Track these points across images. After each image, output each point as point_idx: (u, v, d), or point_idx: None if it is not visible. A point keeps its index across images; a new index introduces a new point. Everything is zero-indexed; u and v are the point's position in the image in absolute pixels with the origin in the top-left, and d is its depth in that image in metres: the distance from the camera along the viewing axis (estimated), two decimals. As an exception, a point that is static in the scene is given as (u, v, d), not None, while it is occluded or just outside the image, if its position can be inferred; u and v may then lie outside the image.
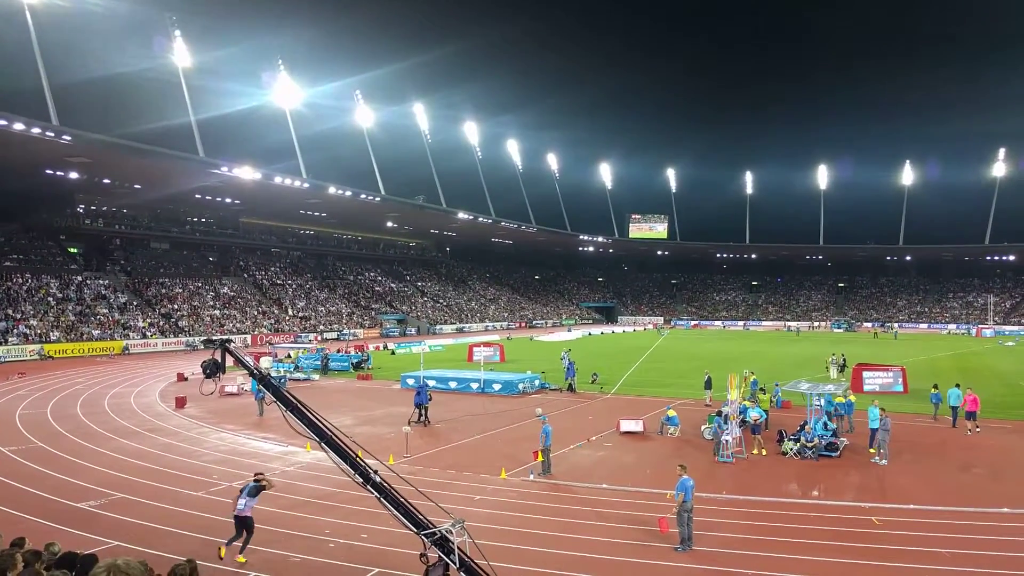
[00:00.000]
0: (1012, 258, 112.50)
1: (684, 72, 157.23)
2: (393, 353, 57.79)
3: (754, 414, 22.18)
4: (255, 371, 8.61)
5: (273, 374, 38.17)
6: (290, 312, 74.78)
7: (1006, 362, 51.84)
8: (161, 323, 61.61)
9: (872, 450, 20.97)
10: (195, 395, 30.03)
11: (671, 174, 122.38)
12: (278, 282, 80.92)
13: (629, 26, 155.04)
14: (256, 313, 71.08)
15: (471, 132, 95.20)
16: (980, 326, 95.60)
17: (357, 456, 7.64)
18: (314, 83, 72.69)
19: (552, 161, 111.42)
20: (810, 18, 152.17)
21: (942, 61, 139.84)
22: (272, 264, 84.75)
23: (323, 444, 7.62)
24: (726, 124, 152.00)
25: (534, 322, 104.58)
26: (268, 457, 21.15)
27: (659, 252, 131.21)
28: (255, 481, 13.50)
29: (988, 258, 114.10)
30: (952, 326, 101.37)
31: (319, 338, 69.07)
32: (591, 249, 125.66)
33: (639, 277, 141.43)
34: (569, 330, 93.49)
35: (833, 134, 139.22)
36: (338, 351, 49.57)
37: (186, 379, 37.76)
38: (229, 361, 8.71)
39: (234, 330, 64.87)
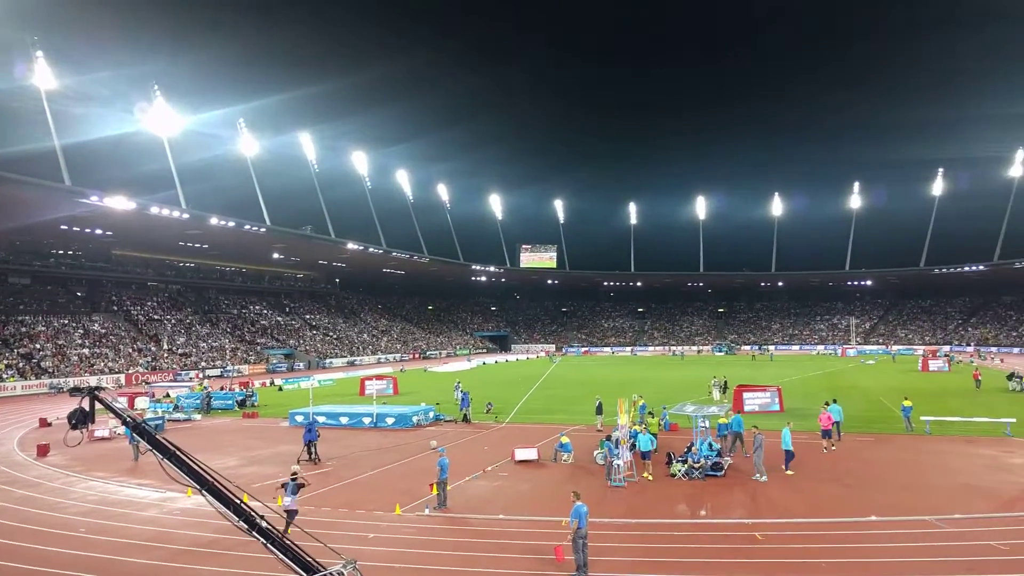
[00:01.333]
0: (870, 283, 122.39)
1: (570, 106, 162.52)
2: (280, 389, 55.70)
3: (639, 443, 22.52)
4: (127, 419, 8.07)
5: (149, 416, 36.00)
6: (168, 348, 70.74)
7: (868, 379, 55.96)
8: (21, 364, 56.79)
9: (789, 472, 21.89)
10: (60, 442, 27.77)
11: (559, 205, 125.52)
12: (155, 317, 76.51)
13: (517, 61, 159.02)
14: (131, 351, 66.80)
15: (360, 162, 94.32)
16: (844, 346, 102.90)
17: (241, 501, 7.30)
18: (194, 110, 70.13)
19: (443, 192, 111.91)
20: (687, 58, 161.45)
21: (801, 100, 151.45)
22: (148, 298, 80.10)
23: (204, 491, 7.24)
24: (611, 156, 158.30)
25: (428, 353, 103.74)
26: (143, 505, 19.80)
27: (550, 281, 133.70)
28: (292, 480, 16.92)
29: (849, 283, 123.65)
30: (821, 347, 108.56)
31: (200, 375, 65.72)
32: (484, 279, 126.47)
33: (531, 306, 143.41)
34: (469, 359, 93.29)
35: (709, 167, 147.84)
36: (221, 389, 47.36)
37: (49, 424, 34.89)
38: (102, 404, 8.17)
39: (106, 369, 60.69)
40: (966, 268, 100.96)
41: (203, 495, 7.25)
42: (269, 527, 7.28)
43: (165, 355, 69.05)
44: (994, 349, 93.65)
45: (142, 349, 68.19)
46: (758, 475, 21.31)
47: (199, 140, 71.30)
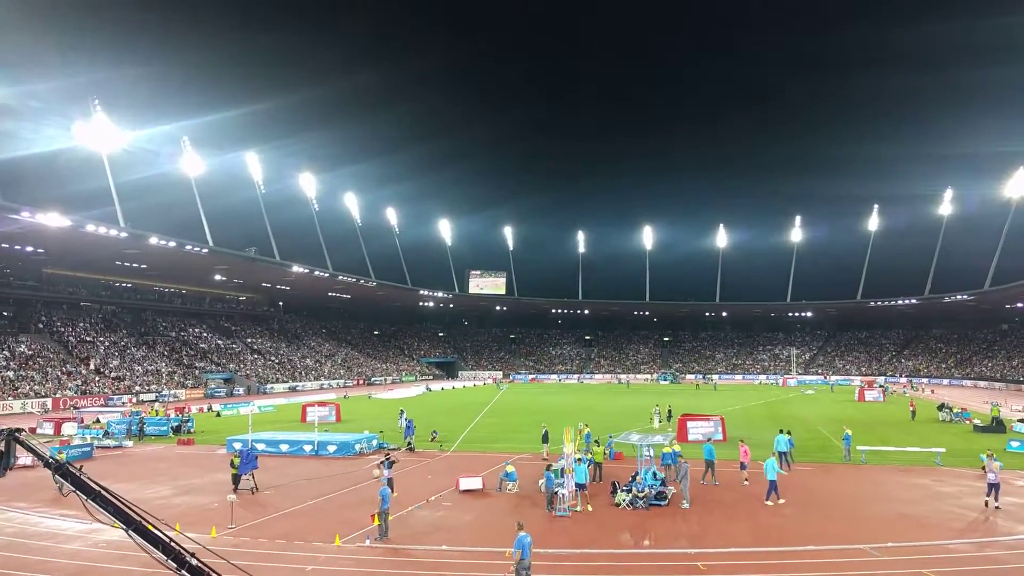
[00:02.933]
0: (810, 314, 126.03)
1: (521, 133, 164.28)
2: (218, 415, 53.99)
3: (575, 474, 22.28)
4: (49, 461, 7.56)
5: (77, 442, 34.40)
6: (97, 370, 67.98)
7: (807, 409, 57.24)
8: (-61, 387, 53.82)
9: (769, 502, 22.02)
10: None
11: (509, 231, 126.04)
12: (87, 339, 73.56)
13: (465, 88, 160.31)
14: (60, 374, 63.94)
15: (308, 183, 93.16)
16: (785, 376, 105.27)
17: (171, 540, 6.92)
18: (136, 126, 68.30)
19: (392, 216, 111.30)
20: (631, 91, 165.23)
21: (744, 135, 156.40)
22: (81, 319, 77.01)
23: (130, 532, 6.85)
24: (561, 185, 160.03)
25: (373, 379, 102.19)
26: (66, 537, 18.78)
27: (498, 308, 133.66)
28: (387, 458, 23.93)
29: (790, 314, 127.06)
30: (763, 377, 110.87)
31: (134, 400, 63.29)
32: (432, 304, 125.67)
33: (479, 332, 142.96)
34: (427, 387, 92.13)
35: (656, 198, 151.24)
36: (156, 414, 45.70)
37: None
38: (22, 445, 7.73)
39: (31, 393, 57.91)
40: (899, 301, 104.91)
41: (130, 536, 6.85)
42: (200, 564, 6.91)
43: (97, 379, 66.34)
44: (925, 380, 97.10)
45: (71, 372, 65.39)
46: (684, 503, 21.65)
47: (140, 157, 69.46)
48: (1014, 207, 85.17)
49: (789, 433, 28.86)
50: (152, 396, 66.32)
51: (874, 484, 25.37)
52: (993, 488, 21.41)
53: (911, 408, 50.02)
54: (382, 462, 23.87)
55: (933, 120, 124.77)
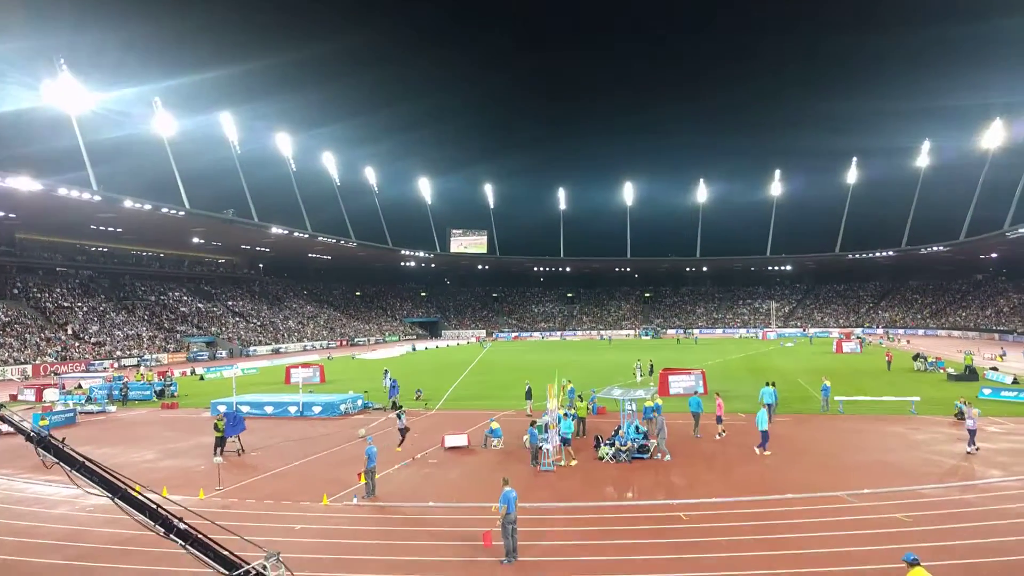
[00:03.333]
0: (789, 268, 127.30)
1: (499, 88, 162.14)
2: (202, 378, 53.93)
3: (561, 428, 22.63)
4: (31, 435, 7.52)
5: (59, 408, 34.28)
6: (73, 334, 67.41)
7: (786, 361, 58.17)
8: (-85, 356, 53.16)
9: (758, 450, 22.63)
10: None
11: (489, 190, 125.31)
12: (65, 305, 72.73)
13: (446, 43, 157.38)
14: (38, 340, 63.35)
15: (284, 144, 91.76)
16: (765, 329, 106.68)
17: (158, 507, 6.96)
18: (106, 87, 66.62)
19: (371, 175, 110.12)
20: (611, 49, 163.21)
21: (724, 90, 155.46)
22: (57, 285, 76.00)
23: (116, 500, 6.87)
24: (541, 141, 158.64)
25: (356, 340, 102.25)
26: (53, 502, 18.81)
27: (480, 266, 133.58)
28: (400, 410, 27.40)
29: (770, 268, 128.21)
30: (743, 330, 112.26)
31: (115, 365, 62.95)
32: (413, 264, 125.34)
33: (461, 291, 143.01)
34: (412, 346, 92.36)
35: (637, 154, 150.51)
36: (141, 379, 45.55)
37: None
38: (5, 421, 7.69)
39: (10, 360, 57.41)
40: (877, 254, 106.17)
41: (116, 503, 6.87)
42: (187, 527, 6.96)
43: (77, 344, 65.82)
44: (901, 331, 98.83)
45: (50, 338, 64.80)
46: (661, 455, 22.12)
47: (111, 119, 67.94)
48: (990, 158, 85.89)
49: (774, 385, 29.30)
50: (134, 361, 66.00)
51: (851, 433, 25.96)
52: (972, 434, 22.15)
53: (887, 358, 50.98)
54: (398, 414, 26.16)
55: (911, 74, 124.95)
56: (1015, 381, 38.46)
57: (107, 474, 6.98)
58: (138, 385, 42.15)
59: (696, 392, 35.83)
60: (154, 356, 69.07)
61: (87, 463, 6.94)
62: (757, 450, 22.69)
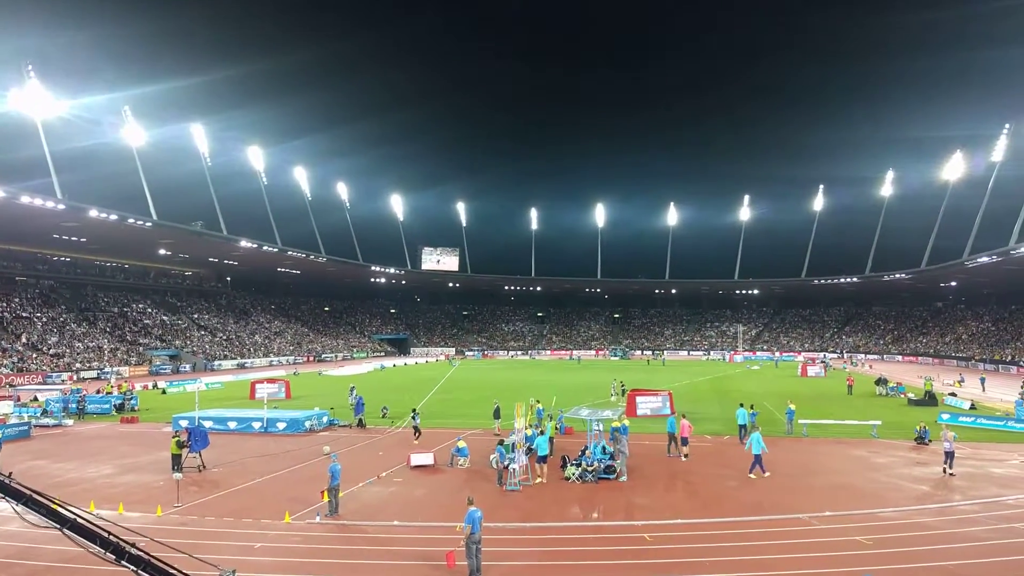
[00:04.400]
0: (756, 291, 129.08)
1: (473, 106, 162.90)
2: (164, 392, 52.88)
3: (537, 446, 22.76)
4: None
5: (13, 421, 33.33)
6: (31, 345, 65.71)
7: (752, 384, 58.77)
8: None
9: (753, 475, 22.56)
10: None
11: (462, 207, 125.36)
12: (23, 315, 70.94)
13: (418, 61, 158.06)
14: (-6, 351, 61.64)
15: (256, 157, 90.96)
16: (732, 352, 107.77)
17: (108, 533, 6.76)
18: (73, 94, 65.56)
19: (343, 190, 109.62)
20: (586, 72, 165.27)
21: (695, 116, 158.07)
22: (16, 295, 74.13)
23: (65, 531, 6.66)
24: (514, 162, 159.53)
25: (323, 356, 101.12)
26: (3, 519, 18.20)
27: (451, 284, 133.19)
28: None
29: (737, 292, 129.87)
30: (709, 354, 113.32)
31: (74, 378, 61.45)
32: (383, 281, 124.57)
33: (431, 309, 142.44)
34: (381, 364, 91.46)
35: (609, 176, 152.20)
36: (98, 392, 44.54)
37: None
38: None
39: (-36, 371, 55.76)
40: (841, 280, 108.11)
41: (65, 534, 6.67)
42: (140, 552, 6.78)
43: (34, 356, 64.15)
44: (862, 356, 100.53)
45: (7, 349, 63.08)
46: (617, 475, 22.18)
47: (79, 126, 66.70)
48: (950, 189, 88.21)
49: (752, 408, 29.76)
50: (94, 373, 64.52)
51: (814, 456, 26.28)
52: (948, 456, 22.79)
53: (848, 383, 51.78)
54: (413, 416, 30.42)
55: (877, 105, 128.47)
56: (973, 407, 39.34)
57: (55, 504, 6.77)
58: (96, 398, 41.18)
59: (664, 414, 36.12)
60: (115, 369, 67.58)
61: (34, 496, 6.72)
62: (752, 475, 22.62)
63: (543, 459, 22.32)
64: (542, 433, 23.25)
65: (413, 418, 30.51)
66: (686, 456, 25.36)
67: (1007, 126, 76.65)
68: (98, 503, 18.93)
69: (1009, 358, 77.39)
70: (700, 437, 28.05)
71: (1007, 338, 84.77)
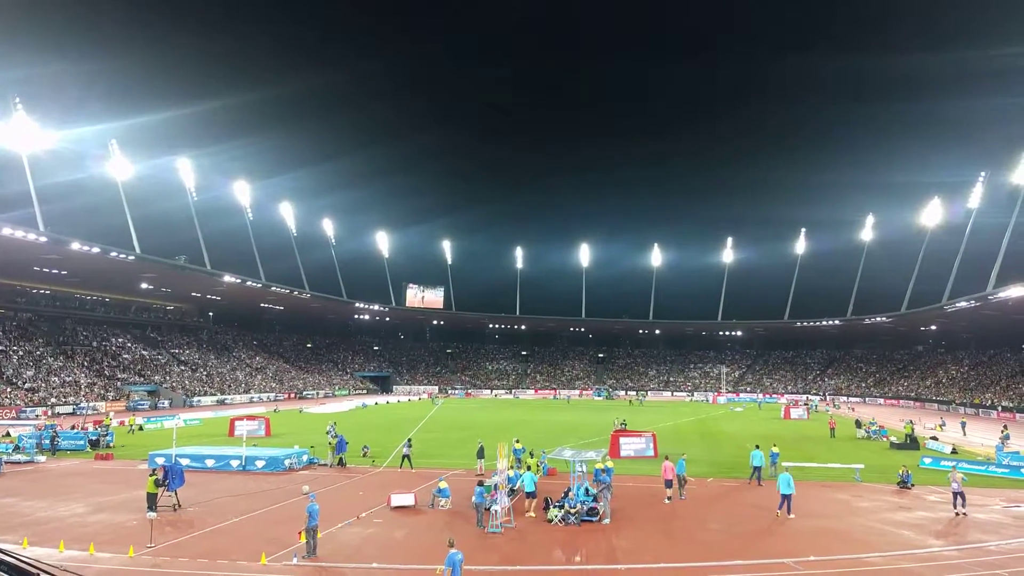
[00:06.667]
0: (739, 333, 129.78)
1: (460, 148, 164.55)
2: (141, 428, 51.93)
3: (524, 482, 22.82)
4: None
5: (-16, 457, 32.53)
6: (5, 380, 64.49)
7: (735, 426, 58.71)
8: None
9: (779, 513, 22.82)
10: None
11: (447, 245, 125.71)
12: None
13: (405, 99, 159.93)
14: (-33, 384, 60.42)
15: (242, 192, 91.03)
16: (715, 394, 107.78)
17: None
18: (60, 126, 65.52)
19: (329, 227, 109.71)
20: (570, 113, 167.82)
21: (680, 158, 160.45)
22: (-7, 327, 73.04)
23: None
24: (499, 201, 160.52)
25: (304, 393, 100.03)
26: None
27: (435, 322, 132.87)
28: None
29: (721, 333, 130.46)
30: (696, 394, 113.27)
31: (48, 413, 60.28)
32: (367, 317, 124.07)
33: (415, 346, 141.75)
34: (363, 403, 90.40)
35: (592, 216, 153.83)
36: (73, 427, 43.69)
37: None
38: None
39: (-65, 405, 54.55)
40: (823, 322, 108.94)
41: None
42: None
43: (8, 390, 62.93)
44: (843, 398, 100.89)
45: (-18, 382, 61.87)
46: (600, 517, 21.97)
47: (64, 158, 66.58)
48: (929, 234, 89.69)
49: (776, 447, 30.23)
50: (69, 408, 63.33)
51: (798, 499, 26.06)
52: (958, 496, 23.19)
53: (831, 426, 51.86)
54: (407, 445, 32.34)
55: (858, 149, 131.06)
56: (954, 451, 39.47)
57: (19, 561, 6.54)
58: (71, 434, 40.35)
59: (647, 455, 36.00)
60: (91, 404, 66.38)
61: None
62: (779, 512, 22.88)
63: (531, 494, 22.51)
64: (528, 469, 23.20)
65: (406, 446, 32.12)
66: (669, 499, 25.17)
67: (983, 174, 78.38)
68: (68, 543, 18.44)
69: (988, 403, 77.94)
70: (694, 479, 27.82)
71: (986, 383, 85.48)
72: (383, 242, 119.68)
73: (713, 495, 26.55)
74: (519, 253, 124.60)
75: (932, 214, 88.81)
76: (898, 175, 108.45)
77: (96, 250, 62.51)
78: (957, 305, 75.66)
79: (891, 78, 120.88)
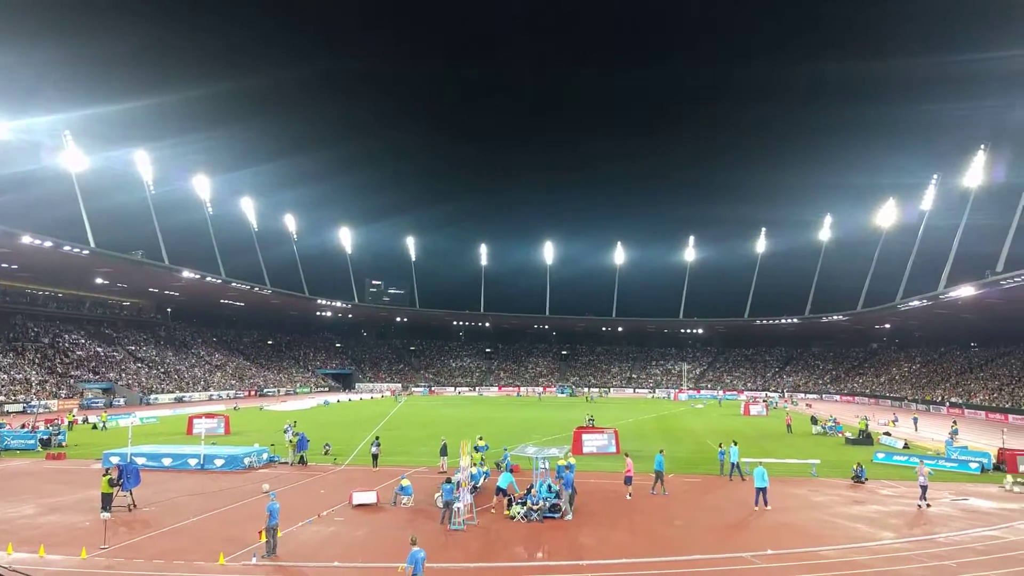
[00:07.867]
0: (701, 331, 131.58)
1: (425, 145, 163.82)
2: (95, 427, 50.69)
3: (500, 479, 23.14)
4: None
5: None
6: (-40, 380, 62.43)
7: (697, 422, 59.48)
8: None
9: (757, 507, 23.47)
10: None
11: (411, 242, 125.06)
12: (-55, 344, 67.52)
13: (370, 93, 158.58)
14: (-89, 382, 58.34)
15: (202, 186, 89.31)
16: (677, 391, 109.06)
17: None
18: (13, 115, 63.59)
19: (290, 222, 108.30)
20: (536, 110, 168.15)
21: (643, 157, 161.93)
22: (-61, 323, 70.61)
23: None
24: (463, 198, 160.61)
25: (265, 390, 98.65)
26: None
27: (399, 319, 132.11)
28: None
29: (682, 331, 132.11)
30: (658, 391, 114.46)
31: (-2, 411, 58.56)
32: (330, 314, 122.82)
33: (378, 343, 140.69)
34: (325, 400, 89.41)
35: (558, 214, 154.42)
36: (22, 427, 42.47)
37: None
38: None
39: None
40: (782, 320, 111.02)
41: None
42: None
43: (-45, 387, 60.89)
44: (801, 395, 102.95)
45: (-74, 380, 59.78)
46: (562, 514, 22.14)
47: (15, 149, 64.65)
48: (884, 235, 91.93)
49: (728, 444, 30.72)
50: (19, 407, 61.53)
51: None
52: (923, 490, 24.33)
53: (787, 422, 52.79)
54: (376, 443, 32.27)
55: (817, 151, 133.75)
56: (906, 446, 40.56)
57: None
58: (19, 434, 39.21)
59: (609, 451, 36.28)
60: (43, 402, 64.58)
61: None
62: (756, 507, 23.49)
63: (502, 490, 23.02)
64: (497, 468, 23.41)
65: (375, 446, 32.56)
66: (630, 495, 25.38)
67: (935, 176, 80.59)
68: (17, 545, 17.94)
69: (939, 399, 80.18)
70: (644, 475, 28.11)
71: (937, 379, 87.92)
72: (346, 238, 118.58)
73: (674, 491, 26.85)
74: (484, 250, 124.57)
75: (887, 215, 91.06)
76: (855, 177, 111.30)
77: (48, 244, 60.79)
78: (910, 304, 77.70)
79: (849, 83, 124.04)
